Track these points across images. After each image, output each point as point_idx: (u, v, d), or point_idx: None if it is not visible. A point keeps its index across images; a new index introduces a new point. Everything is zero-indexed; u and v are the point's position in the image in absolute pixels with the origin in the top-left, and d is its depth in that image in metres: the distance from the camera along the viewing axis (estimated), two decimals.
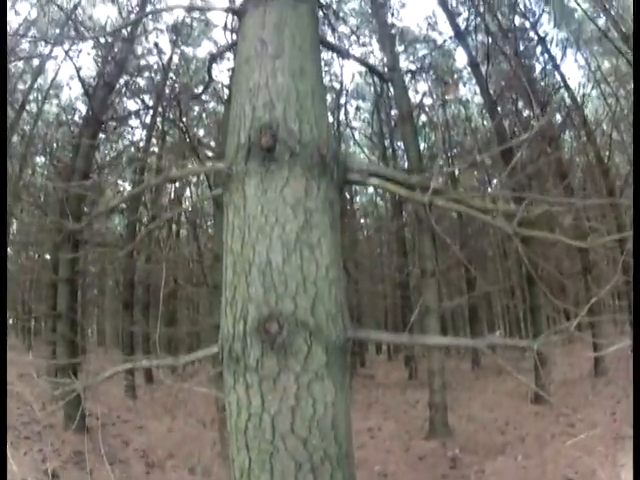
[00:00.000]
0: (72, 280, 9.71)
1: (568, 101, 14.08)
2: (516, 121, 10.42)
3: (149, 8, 8.69)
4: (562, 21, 13.42)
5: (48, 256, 16.00)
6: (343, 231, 3.36)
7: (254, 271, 2.46)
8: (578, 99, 14.24)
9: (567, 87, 13.04)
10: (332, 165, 2.74)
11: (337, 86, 9.14)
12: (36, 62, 12.62)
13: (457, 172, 10.41)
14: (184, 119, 7.38)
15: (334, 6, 8.30)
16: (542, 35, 12.09)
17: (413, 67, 9.76)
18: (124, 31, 8.81)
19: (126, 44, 8.27)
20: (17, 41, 12.63)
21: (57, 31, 11.37)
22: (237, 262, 2.52)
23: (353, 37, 9.19)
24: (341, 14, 8.44)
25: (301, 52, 3.08)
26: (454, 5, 9.85)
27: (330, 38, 7.31)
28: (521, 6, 11.70)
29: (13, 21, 12.29)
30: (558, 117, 14.08)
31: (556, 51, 13.37)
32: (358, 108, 10.87)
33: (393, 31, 8.99)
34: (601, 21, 13.21)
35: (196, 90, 8.39)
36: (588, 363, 11.29)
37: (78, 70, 9.51)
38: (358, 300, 13.52)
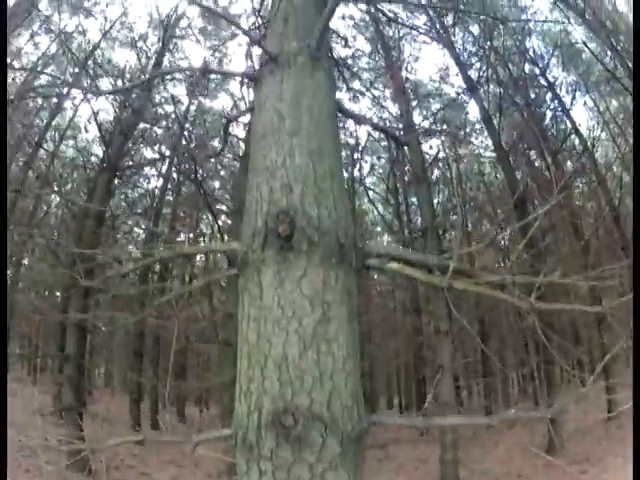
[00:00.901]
0: (82, 324, 9.66)
1: (578, 144, 14.12)
2: (529, 172, 10.41)
3: (167, 57, 8.88)
4: (570, 64, 13.57)
5: (58, 293, 16.00)
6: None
7: (270, 364, 2.39)
8: (588, 144, 14.27)
9: (577, 132, 13.08)
10: (351, 252, 2.67)
11: (352, 142, 9.25)
12: (54, 99, 12.82)
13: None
14: (199, 172, 7.41)
15: (349, 60, 8.43)
16: (552, 80, 12.23)
17: (426, 123, 9.86)
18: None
19: (144, 93, 8.42)
20: (35, 76, 12.93)
21: (76, 70, 11.60)
22: (252, 354, 2.45)
23: (368, 93, 9.31)
24: (355, 69, 8.56)
25: (319, 127, 3.06)
26: (465, 56, 9.98)
27: (344, 94, 7.39)
28: (530, 52, 11.89)
29: (32, 54, 12.56)
30: (569, 162, 14.11)
31: (566, 96, 13.49)
32: (373, 166, 10.91)
33: (407, 85, 9.14)
34: (608, 58, 13.30)
35: (211, 143, 8.48)
36: (601, 406, 10.99)
37: (95, 114, 9.68)
38: (371, 356, 13.31)
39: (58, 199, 14.60)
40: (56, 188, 12.24)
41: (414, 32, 9.01)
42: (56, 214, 14.04)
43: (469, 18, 9.43)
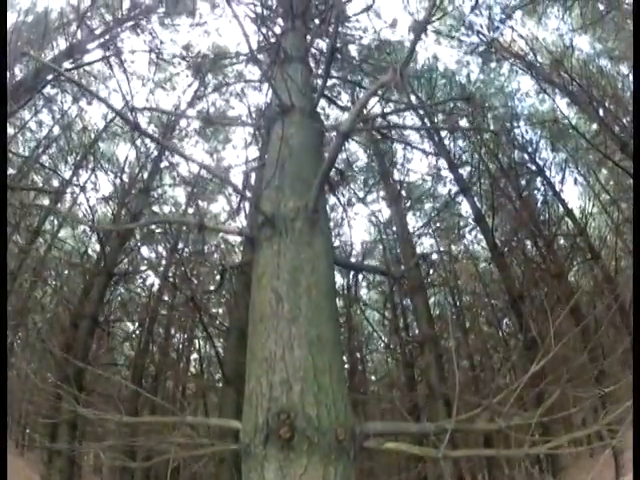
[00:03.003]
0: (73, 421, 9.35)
1: (570, 221, 14.27)
2: (522, 264, 10.49)
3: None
4: (559, 143, 13.95)
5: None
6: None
7: None
8: (581, 222, 14.43)
9: (570, 215, 13.25)
10: (349, 446, 2.70)
11: (347, 249, 9.38)
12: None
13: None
14: (197, 295, 7.41)
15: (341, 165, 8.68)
16: (541, 164, 12.54)
17: (420, 223, 10.06)
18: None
19: (142, 195, 8.57)
20: (38, 155, 13.10)
21: (78, 157, 11.81)
22: None
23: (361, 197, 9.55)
24: (349, 172, 8.80)
25: (318, 311, 3.06)
26: (456, 153, 10.27)
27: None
28: (519, 137, 12.26)
29: (36, 132, 12.77)
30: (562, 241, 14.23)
31: (556, 176, 13.77)
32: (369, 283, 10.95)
33: (400, 187, 9.41)
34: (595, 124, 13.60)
35: (207, 246, 8.55)
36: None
37: (93, 215, 9.78)
38: None
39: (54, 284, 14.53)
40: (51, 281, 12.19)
41: (406, 132, 9.32)
42: (49, 307, 13.89)
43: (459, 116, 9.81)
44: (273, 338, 2.91)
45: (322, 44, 7.73)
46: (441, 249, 10.15)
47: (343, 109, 7.52)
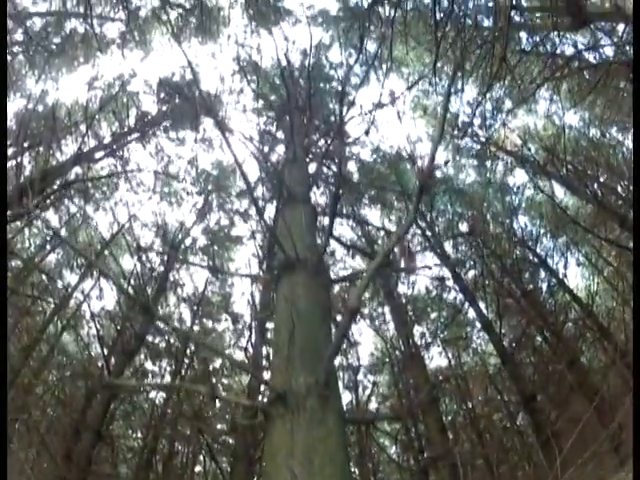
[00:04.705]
0: None
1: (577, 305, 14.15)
2: (533, 357, 10.37)
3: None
4: (559, 230, 14.07)
5: None
6: None
7: None
8: (588, 302, 14.31)
9: (575, 299, 13.17)
10: None
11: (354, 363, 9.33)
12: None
13: None
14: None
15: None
16: (543, 255, 12.59)
17: (426, 332, 10.00)
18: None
19: (146, 320, 8.56)
20: (44, 255, 13.15)
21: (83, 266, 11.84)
22: None
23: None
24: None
25: None
26: (460, 258, 10.40)
27: None
28: (519, 231, 12.40)
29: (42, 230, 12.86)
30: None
31: (559, 262, 13.78)
32: (375, 383, 10.81)
33: (405, 301, 9.48)
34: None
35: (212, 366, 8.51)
36: None
37: (98, 331, 9.74)
38: None
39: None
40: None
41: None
42: (50, 404, 13.56)
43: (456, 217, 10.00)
44: None
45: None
46: (451, 361, 10.02)
47: (348, 248, 7.65)
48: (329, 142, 7.07)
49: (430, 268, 8.15)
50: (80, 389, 11.37)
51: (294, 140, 7.42)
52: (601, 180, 13.62)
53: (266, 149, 7.63)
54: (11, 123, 11.08)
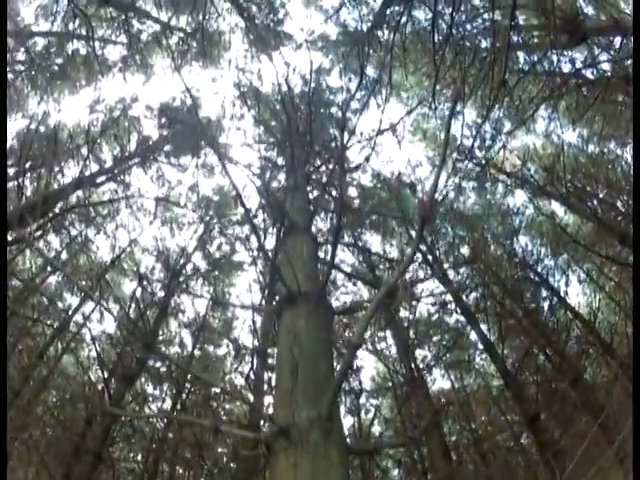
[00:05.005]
0: None
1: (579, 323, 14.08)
2: (536, 377, 10.33)
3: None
4: (559, 248, 14.05)
5: None
6: None
7: None
8: (590, 319, 14.25)
9: (577, 316, 13.12)
10: None
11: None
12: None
13: None
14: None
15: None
16: (544, 274, 12.56)
17: (429, 355, 10.02)
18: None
19: (146, 345, 8.52)
20: (45, 277, 13.11)
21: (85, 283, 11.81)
22: None
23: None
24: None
25: None
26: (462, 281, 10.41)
27: None
28: (520, 252, 12.37)
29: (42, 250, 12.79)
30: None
31: (560, 279, 13.73)
32: (378, 407, 10.81)
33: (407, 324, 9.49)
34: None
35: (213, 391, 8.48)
36: None
37: (99, 354, 9.71)
38: None
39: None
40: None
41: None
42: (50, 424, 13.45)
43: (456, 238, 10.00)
44: None
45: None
46: (454, 384, 9.99)
47: (350, 277, 7.65)
48: (330, 169, 7.07)
49: (433, 296, 8.12)
50: (80, 411, 11.32)
51: (295, 167, 7.43)
52: (600, 196, 13.62)
53: (267, 176, 7.62)
54: (13, 142, 11.14)
